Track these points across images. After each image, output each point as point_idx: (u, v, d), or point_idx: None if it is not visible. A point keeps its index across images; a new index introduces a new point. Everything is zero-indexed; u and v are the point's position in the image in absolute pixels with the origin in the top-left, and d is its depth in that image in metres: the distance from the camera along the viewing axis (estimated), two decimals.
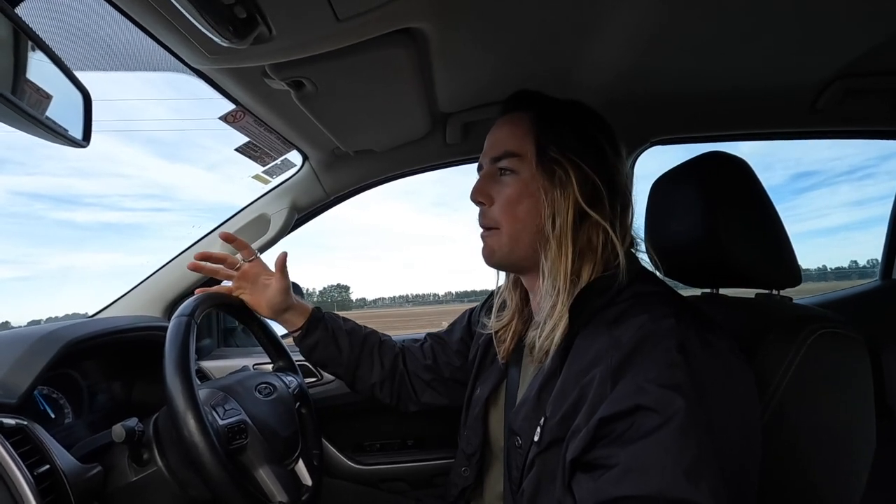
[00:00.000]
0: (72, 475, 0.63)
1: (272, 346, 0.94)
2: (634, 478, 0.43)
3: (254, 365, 1.12)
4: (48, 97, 0.53)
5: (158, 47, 0.65)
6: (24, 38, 0.48)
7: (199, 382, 0.72)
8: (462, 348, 0.88)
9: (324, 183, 1.18)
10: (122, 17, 0.59)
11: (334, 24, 0.60)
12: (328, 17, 0.58)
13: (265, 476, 0.71)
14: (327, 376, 1.15)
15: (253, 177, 1.13)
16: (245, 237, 1.16)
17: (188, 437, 0.60)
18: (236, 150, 1.03)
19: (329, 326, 0.87)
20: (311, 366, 1.13)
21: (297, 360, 0.97)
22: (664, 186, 0.77)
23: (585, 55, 0.84)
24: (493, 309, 0.76)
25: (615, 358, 0.50)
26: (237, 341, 1.38)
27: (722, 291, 0.79)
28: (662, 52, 0.83)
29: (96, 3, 0.56)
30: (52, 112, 0.53)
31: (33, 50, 0.49)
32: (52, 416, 0.83)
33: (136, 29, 0.61)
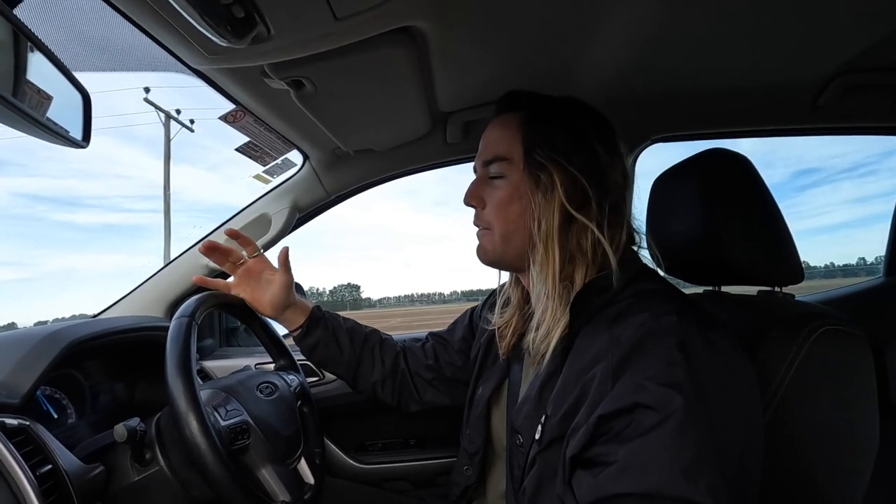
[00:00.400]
0: (74, 475, 0.63)
1: (273, 345, 0.94)
2: (633, 475, 0.43)
3: (256, 364, 1.12)
4: (48, 98, 0.53)
5: (158, 47, 0.65)
6: (24, 39, 0.48)
7: (200, 383, 0.72)
8: (464, 347, 0.88)
9: (324, 182, 1.18)
10: (121, 18, 0.59)
11: (333, 23, 0.60)
12: (326, 16, 0.58)
13: (267, 476, 0.71)
14: (329, 376, 1.16)
15: (254, 177, 1.14)
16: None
17: (190, 439, 0.60)
18: (237, 149, 1.03)
19: (329, 325, 0.87)
20: (312, 365, 1.13)
21: (298, 360, 0.97)
22: (665, 184, 0.76)
23: (585, 53, 0.83)
24: (497, 305, 0.76)
25: (616, 356, 0.49)
26: (239, 341, 1.38)
27: (724, 289, 0.79)
28: (663, 50, 0.83)
29: (95, 3, 0.56)
30: (52, 113, 0.53)
31: (32, 51, 0.50)
32: (55, 416, 0.83)
33: (136, 30, 0.61)
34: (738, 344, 0.53)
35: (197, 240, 1.18)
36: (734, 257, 0.65)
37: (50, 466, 0.61)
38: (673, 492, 0.41)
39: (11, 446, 0.58)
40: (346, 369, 0.89)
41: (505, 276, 0.76)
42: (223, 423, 0.69)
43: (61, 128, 0.55)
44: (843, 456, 0.60)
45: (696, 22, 0.75)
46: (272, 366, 0.96)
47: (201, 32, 0.54)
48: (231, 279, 0.88)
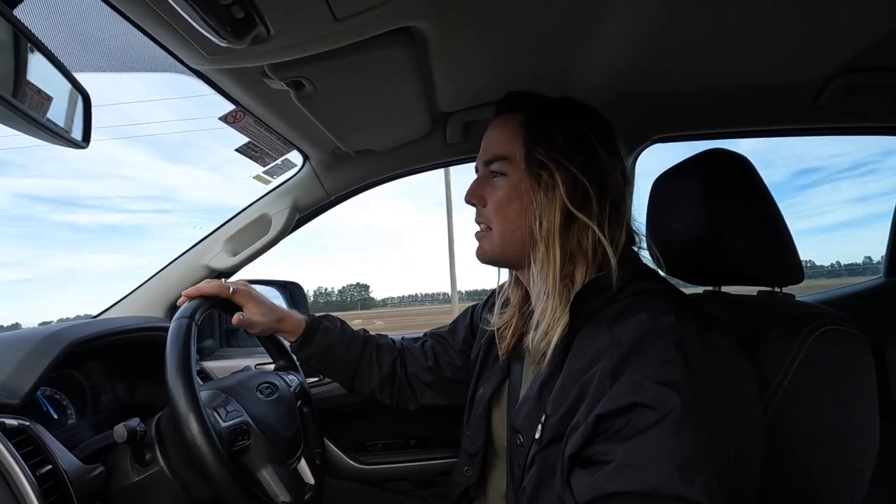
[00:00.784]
0: (74, 476, 0.63)
1: (273, 345, 0.94)
2: (630, 474, 0.44)
3: (256, 365, 1.12)
4: (48, 99, 0.53)
5: (158, 48, 0.65)
6: (24, 40, 0.48)
7: (200, 383, 0.72)
8: (465, 347, 0.88)
9: (324, 183, 1.18)
10: (121, 18, 0.59)
11: (332, 23, 0.60)
12: (326, 16, 0.58)
13: (268, 476, 0.71)
14: None
15: (254, 177, 1.13)
16: (247, 237, 1.16)
17: (191, 440, 0.60)
18: (237, 150, 1.03)
19: (323, 340, 0.86)
20: None
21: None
22: (665, 184, 0.76)
23: (585, 54, 0.83)
24: (496, 305, 0.76)
25: (615, 356, 0.50)
26: (239, 341, 1.38)
27: (724, 289, 0.79)
28: (662, 51, 0.83)
29: (95, 3, 0.56)
30: (53, 114, 0.53)
31: (32, 52, 0.50)
32: (55, 416, 0.83)
33: (136, 30, 0.61)
34: (736, 344, 0.53)
35: (197, 240, 1.18)
36: (734, 257, 0.65)
37: (50, 467, 0.61)
38: (669, 490, 0.42)
39: (11, 447, 0.58)
40: (343, 378, 0.89)
41: (504, 276, 0.76)
42: (223, 424, 0.68)
43: (61, 128, 0.55)
44: (844, 456, 0.60)
45: (696, 22, 0.75)
46: (272, 366, 0.96)
47: (201, 33, 0.54)
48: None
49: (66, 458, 0.64)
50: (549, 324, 0.58)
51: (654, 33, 0.77)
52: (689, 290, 0.78)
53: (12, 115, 0.47)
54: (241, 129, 0.94)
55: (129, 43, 0.67)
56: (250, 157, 1.06)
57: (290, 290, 1.34)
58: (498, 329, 0.74)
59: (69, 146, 0.58)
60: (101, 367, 0.97)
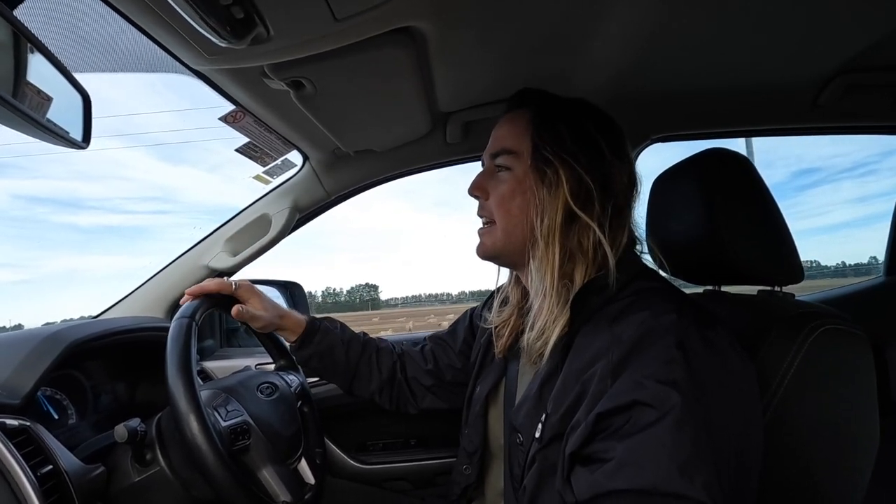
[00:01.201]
0: (75, 476, 0.63)
1: (274, 345, 0.94)
2: (629, 471, 0.44)
3: (256, 365, 1.12)
4: (48, 99, 0.53)
5: (158, 48, 0.65)
6: (24, 40, 0.48)
7: (201, 383, 0.72)
8: (464, 348, 0.88)
9: (324, 183, 1.18)
10: (121, 19, 0.59)
11: (332, 23, 0.60)
12: (326, 16, 0.58)
13: (268, 476, 0.71)
14: None
15: (254, 177, 1.13)
16: (247, 238, 1.16)
17: (191, 440, 0.61)
18: (237, 150, 1.03)
19: (323, 340, 0.87)
20: None
21: None
22: (665, 184, 0.76)
23: (585, 53, 0.83)
24: (496, 304, 0.77)
25: (616, 354, 0.50)
26: (239, 341, 1.38)
27: (724, 289, 0.79)
28: (662, 50, 0.83)
29: (94, 4, 0.56)
30: (53, 114, 0.53)
31: (32, 52, 0.50)
32: (56, 416, 0.83)
33: (135, 30, 0.61)
34: (737, 343, 0.53)
35: (197, 241, 1.18)
36: (734, 257, 0.65)
37: (51, 467, 0.61)
38: (669, 488, 0.42)
39: (12, 447, 0.59)
40: (342, 381, 0.89)
41: (504, 276, 0.76)
42: (224, 424, 0.69)
43: (61, 129, 0.55)
44: (844, 455, 0.60)
45: (696, 21, 0.75)
46: (272, 366, 0.96)
47: (201, 33, 0.54)
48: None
49: (66, 459, 0.64)
50: (545, 322, 0.59)
51: (653, 33, 0.77)
52: (690, 289, 0.78)
53: (12, 116, 0.47)
54: (241, 130, 0.94)
55: (129, 43, 0.67)
56: (250, 158, 1.06)
57: (291, 291, 1.35)
58: (496, 327, 0.74)
59: (69, 147, 0.58)
60: (102, 367, 0.97)
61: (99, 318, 1.13)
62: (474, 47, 0.78)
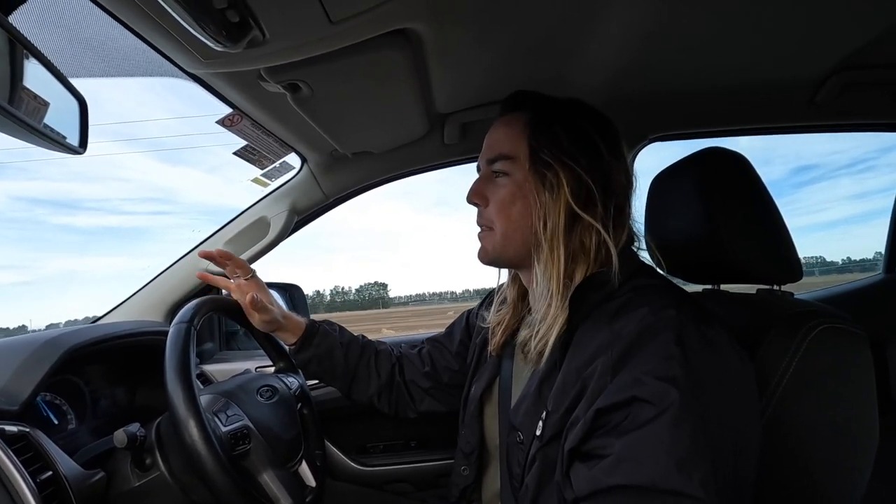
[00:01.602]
0: (74, 481, 0.63)
1: (273, 348, 0.94)
2: (628, 468, 0.44)
3: (256, 367, 1.12)
4: (45, 105, 0.53)
5: (154, 52, 0.65)
6: (19, 46, 0.48)
7: (200, 387, 0.72)
8: (461, 350, 0.88)
9: (322, 185, 1.18)
10: (117, 23, 0.59)
11: (328, 26, 0.60)
12: (321, 19, 0.58)
13: (269, 480, 0.71)
14: None
15: (252, 180, 1.13)
16: (245, 241, 1.16)
17: (191, 446, 0.60)
18: (234, 153, 1.03)
19: (323, 342, 0.87)
20: None
21: None
22: (664, 183, 0.76)
23: (583, 53, 0.83)
24: (494, 303, 0.77)
25: (616, 350, 0.50)
26: (239, 344, 1.38)
27: (723, 287, 0.79)
28: (659, 50, 0.83)
29: (90, 8, 0.56)
30: (49, 120, 0.53)
31: (28, 58, 0.50)
32: (55, 422, 0.83)
33: (131, 35, 0.61)
34: (735, 341, 0.53)
35: (196, 243, 1.18)
36: (733, 256, 0.65)
37: (50, 473, 0.61)
38: (667, 485, 0.42)
39: (11, 453, 0.58)
40: (341, 384, 0.89)
41: (504, 276, 0.76)
42: (224, 429, 0.68)
43: (58, 134, 0.55)
44: (844, 454, 0.60)
45: (694, 21, 0.75)
46: (272, 368, 0.96)
47: (196, 37, 0.54)
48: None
49: (66, 464, 0.64)
50: (549, 323, 0.59)
51: (651, 33, 0.77)
52: (689, 288, 0.78)
53: (9, 122, 0.47)
54: (239, 133, 0.94)
55: (125, 47, 0.67)
56: (248, 161, 1.06)
57: (290, 293, 1.34)
58: (492, 326, 0.75)
59: (66, 152, 0.58)
60: (101, 371, 0.97)
61: (98, 322, 1.13)
62: (471, 48, 0.78)
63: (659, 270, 0.67)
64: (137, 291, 1.16)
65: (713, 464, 0.44)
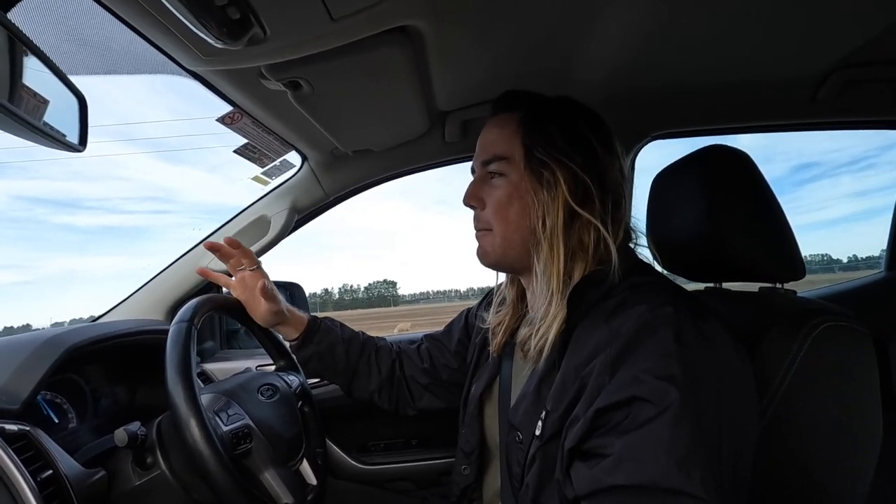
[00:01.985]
0: (75, 480, 0.63)
1: (273, 346, 0.94)
2: (628, 467, 0.44)
3: (257, 366, 1.12)
4: (44, 103, 0.53)
5: (153, 49, 0.64)
6: (18, 44, 0.48)
7: (201, 386, 0.72)
8: (460, 349, 0.88)
9: (323, 183, 1.18)
10: (116, 21, 0.59)
11: (328, 23, 0.59)
12: (322, 16, 0.58)
13: (270, 479, 0.71)
14: None
15: (252, 178, 1.13)
16: (245, 239, 1.16)
17: (192, 445, 0.60)
18: (235, 151, 1.02)
19: (324, 339, 0.87)
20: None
21: None
22: (665, 181, 0.76)
23: (583, 51, 0.83)
24: (493, 303, 0.77)
25: (615, 348, 0.50)
26: (240, 343, 1.38)
27: (725, 285, 0.78)
28: (660, 47, 0.83)
29: (89, 6, 0.56)
30: (49, 118, 0.53)
31: (27, 55, 0.49)
32: (56, 420, 0.83)
33: (131, 32, 0.61)
34: (731, 338, 0.53)
35: (197, 242, 1.18)
36: (735, 254, 0.65)
37: (51, 472, 0.61)
38: (668, 484, 0.42)
39: (12, 452, 0.58)
40: (343, 380, 0.89)
41: (503, 275, 0.76)
42: (225, 429, 0.68)
43: (58, 132, 0.54)
44: (846, 452, 0.59)
45: (694, 18, 0.75)
46: (273, 367, 0.96)
47: (197, 34, 0.54)
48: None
49: (66, 463, 0.64)
50: (549, 322, 0.59)
51: (651, 31, 0.77)
52: (691, 286, 0.78)
53: (8, 120, 0.47)
54: (239, 131, 0.94)
55: (125, 45, 0.67)
56: (248, 159, 1.05)
57: (291, 292, 1.34)
58: (492, 327, 0.74)
59: (66, 150, 0.58)
60: (102, 370, 0.97)
61: (98, 321, 1.13)
62: (472, 46, 0.78)
63: (656, 267, 0.67)
64: (138, 290, 1.16)
65: (712, 461, 0.44)
